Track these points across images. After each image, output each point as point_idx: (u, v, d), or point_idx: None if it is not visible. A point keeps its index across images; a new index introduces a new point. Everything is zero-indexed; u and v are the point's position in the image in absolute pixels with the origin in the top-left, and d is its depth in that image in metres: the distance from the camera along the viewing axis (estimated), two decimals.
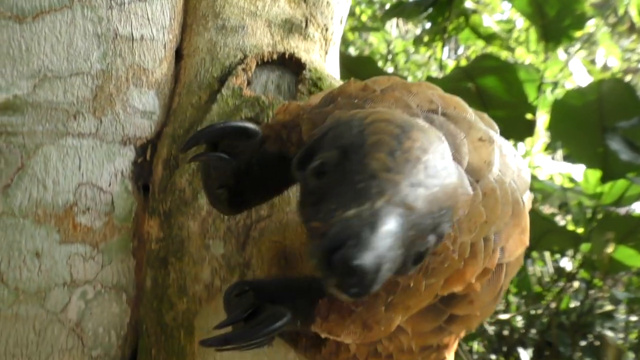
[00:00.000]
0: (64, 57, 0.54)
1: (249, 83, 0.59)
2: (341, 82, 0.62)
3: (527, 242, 0.48)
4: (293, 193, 0.55)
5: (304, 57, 0.61)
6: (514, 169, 0.46)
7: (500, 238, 0.45)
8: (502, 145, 0.45)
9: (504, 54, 3.23)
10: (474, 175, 0.42)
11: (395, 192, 0.34)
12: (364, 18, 3.45)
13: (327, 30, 0.68)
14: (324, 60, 0.67)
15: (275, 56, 0.61)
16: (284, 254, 0.56)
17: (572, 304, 2.29)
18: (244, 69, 0.59)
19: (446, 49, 4.04)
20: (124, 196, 0.56)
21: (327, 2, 0.70)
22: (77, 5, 0.54)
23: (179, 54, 0.61)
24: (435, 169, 0.36)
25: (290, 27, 0.64)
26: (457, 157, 0.41)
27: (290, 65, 0.61)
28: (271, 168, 0.49)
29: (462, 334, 0.54)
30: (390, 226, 0.33)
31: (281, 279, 0.54)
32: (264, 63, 0.61)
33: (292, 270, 0.56)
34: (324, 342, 0.53)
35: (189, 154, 0.55)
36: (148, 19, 0.57)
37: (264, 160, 0.49)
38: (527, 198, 0.47)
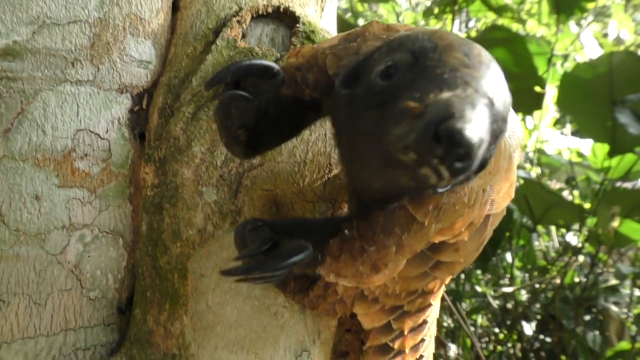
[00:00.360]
0: (62, 5, 0.55)
1: (243, 35, 0.60)
2: (333, 35, 0.63)
3: (513, 195, 0.49)
4: (285, 144, 0.57)
5: (298, 10, 0.62)
6: (510, 126, 0.47)
7: (493, 190, 0.46)
8: None
9: (515, 26, 3.19)
10: None
11: (479, 84, 0.35)
12: None
13: None
14: (319, 16, 0.67)
15: (270, 9, 0.61)
16: (275, 202, 0.57)
17: (577, 279, 2.31)
18: (238, 22, 0.59)
19: (457, 21, 3.99)
20: (121, 143, 0.57)
21: None
22: None
23: (175, 6, 0.62)
24: (502, 77, 0.38)
25: None
26: None
27: (285, 18, 0.62)
28: (285, 111, 0.50)
29: (447, 280, 0.55)
30: (484, 110, 0.34)
31: (291, 218, 0.56)
32: (259, 16, 0.61)
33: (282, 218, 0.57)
34: (312, 286, 0.55)
35: (184, 102, 0.57)
36: None
37: (278, 103, 0.49)
38: (517, 154, 0.48)
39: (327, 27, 0.68)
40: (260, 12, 0.61)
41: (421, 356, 0.59)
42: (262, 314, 0.56)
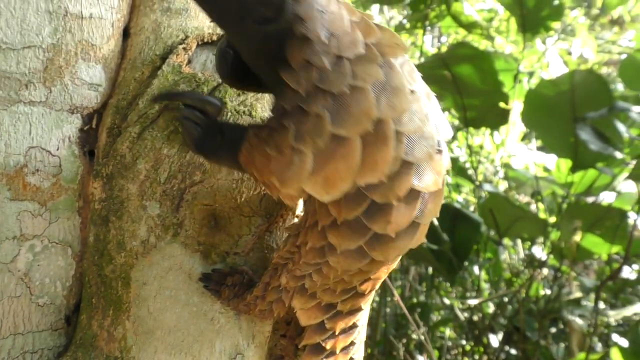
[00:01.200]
0: (17, 31, 0.59)
1: (189, 61, 0.65)
2: None
3: (440, 185, 0.52)
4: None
5: None
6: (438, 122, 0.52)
7: (413, 154, 0.49)
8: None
9: (485, 43, 3.28)
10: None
11: None
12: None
13: None
14: None
15: (215, 37, 0.66)
16: (214, 216, 0.62)
17: (543, 291, 2.37)
18: (184, 48, 0.64)
19: (430, 36, 4.08)
20: (71, 160, 0.62)
21: None
22: None
23: (126, 32, 0.67)
24: None
25: None
26: None
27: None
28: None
29: (379, 282, 0.59)
30: None
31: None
32: (205, 43, 0.66)
33: (221, 231, 0.62)
34: (248, 291, 0.59)
35: (131, 123, 0.61)
36: None
37: None
38: (446, 156, 0.53)
39: None
40: (205, 40, 0.66)
41: (351, 359, 0.64)
42: (200, 319, 0.60)
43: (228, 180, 0.62)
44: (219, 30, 0.67)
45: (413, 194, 0.51)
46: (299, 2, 0.48)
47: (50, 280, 0.61)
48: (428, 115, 0.51)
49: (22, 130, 0.60)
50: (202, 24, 0.67)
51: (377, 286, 0.62)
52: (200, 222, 0.61)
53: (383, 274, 0.58)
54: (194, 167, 0.61)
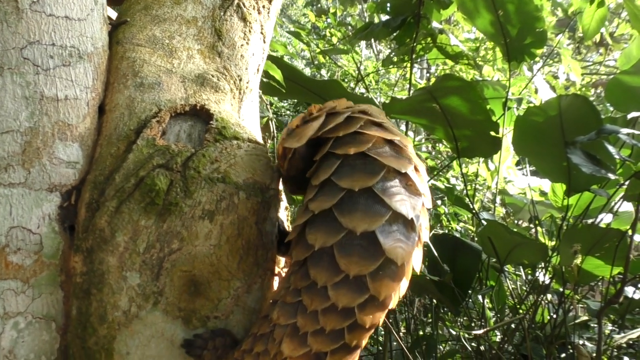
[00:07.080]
0: None
1: (164, 133, 0.67)
2: (245, 128, 0.71)
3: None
4: (200, 229, 0.63)
5: (213, 107, 0.69)
6: None
7: None
8: None
9: (472, 72, 3.34)
10: None
11: None
12: (334, 40, 3.55)
13: (240, 80, 0.77)
14: (238, 108, 0.75)
15: (187, 108, 0.69)
16: (194, 282, 0.63)
17: (549, 316, 2.35)
18: (158, 121, 0.67)
19: (419, 68, 4.15)
20: (52, 236, 0.64)
21: (241, 55, 0.78)
22: (7, 73, 0.62)
23: (102, 109, 0.70)
24: None
25: (202, 81, 0.72)
26: None
27: (202, 114, 0.70)
28: None
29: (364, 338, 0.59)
30: None
31: None
32: (178, 114, 0.69)
33: (200, 296, 0.63)
34: (235, 349, 0.60)
35: (108, 197, 0.63)
36: (72, 80, 0.66)
37: None
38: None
39: (246, 115, 0.76)
40: (178, 111, 0.69)
41: None
42: None
43: (205, 246, 0.63)
44: (191, 101, 0.70)
45: None
46: None
47: (35, 356, 0.63)
48: None
49: (2, 212, 0.62)
50: (175, 96, 0.70)
51: (363, 344, 0.63)
52: (180, 288, 0.63)
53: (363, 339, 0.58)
54: (171, 235, 0.63)
